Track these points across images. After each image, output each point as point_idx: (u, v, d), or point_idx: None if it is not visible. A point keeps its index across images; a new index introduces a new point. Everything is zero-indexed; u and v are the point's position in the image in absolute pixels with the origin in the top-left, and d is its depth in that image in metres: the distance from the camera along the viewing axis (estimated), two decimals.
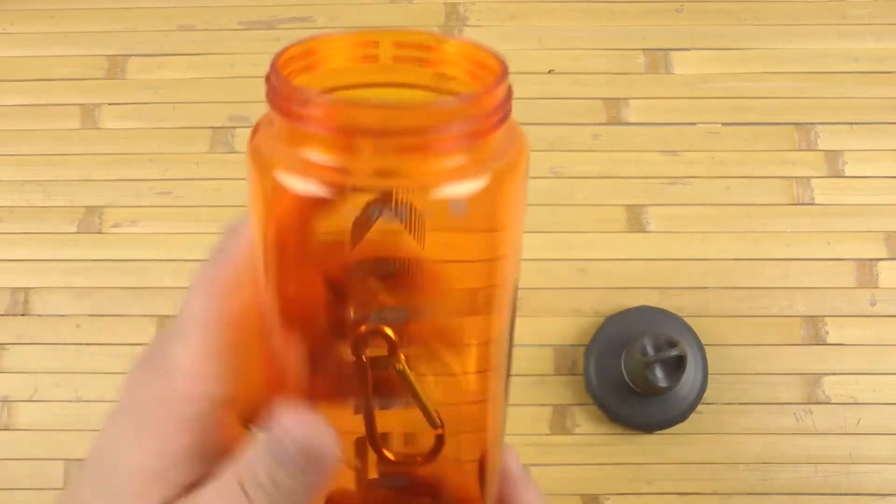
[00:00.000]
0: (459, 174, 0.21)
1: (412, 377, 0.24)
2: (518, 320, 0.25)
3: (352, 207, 0.21)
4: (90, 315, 0.59)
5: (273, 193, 0.21)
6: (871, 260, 0.59)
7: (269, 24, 0.65)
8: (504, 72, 0.22)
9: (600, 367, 0.56)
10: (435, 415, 0.24)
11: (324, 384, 0.25)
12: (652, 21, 0.65)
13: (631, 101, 0.63)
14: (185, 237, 0.60)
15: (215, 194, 0.61)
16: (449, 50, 0.24)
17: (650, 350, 0.53)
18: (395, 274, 0.23)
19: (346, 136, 0.20)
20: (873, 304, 0.58)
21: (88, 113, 0.63)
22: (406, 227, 0.21)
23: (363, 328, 0.24)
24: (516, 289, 0.25)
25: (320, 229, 0.22)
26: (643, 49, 0.64)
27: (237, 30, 0.65)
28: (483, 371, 0.25)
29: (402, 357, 0.24)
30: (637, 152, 0.62)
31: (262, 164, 0.21)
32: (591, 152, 0.62)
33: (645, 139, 0.62)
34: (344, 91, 0.25)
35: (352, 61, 0.24)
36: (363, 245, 0.22)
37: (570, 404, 0.57)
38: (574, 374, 0.57)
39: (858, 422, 0.56)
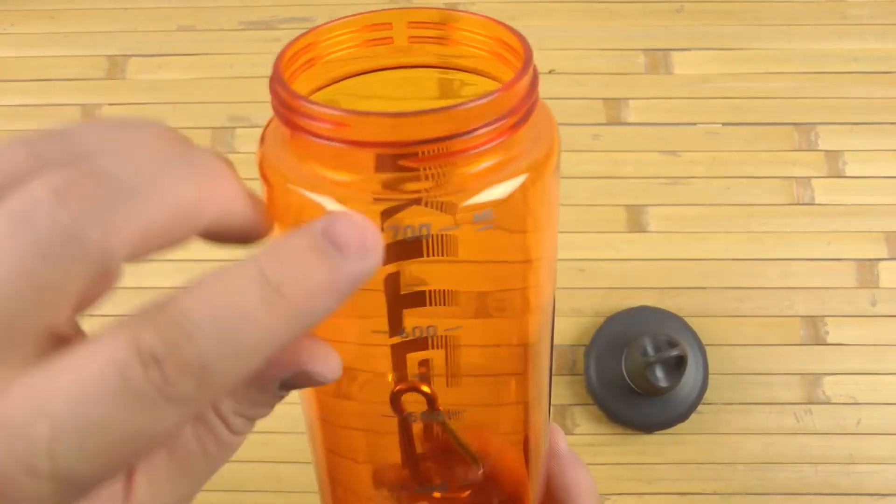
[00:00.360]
0: (487, 178, 0.19)
1: (453, 428, 0.23)
2: None
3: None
4: (88, 315, 0.59)
5: (289, 211, 0.19)
6: (871, 260, 0.59)
7: (268, 24, 0.65)
8: (529, 56, 0.20)
9: (600, 368, 0.56)
10: (477, 458, 0.24)
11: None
12: (652, 21, 0.65)
13: (631, 101, 0.63)
14: None
15: None
16: (466, 27, 0.22)
17: (650, 350, 0.53)
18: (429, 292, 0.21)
19: (359, 150, 0.18)
20: (874, 304, 0.58)
21: (89, 113, 0.63)
22: (431, 240, 0.19)
23: (400, 387, 0.22)
24: (554, 287, 0.24)
25: None
26: (643, 49, 0.64)
27: (237, 30, 0.65)
28: (525, 372, 0.25)
29: (442, 409, 0.23)
30: (637, 152, 0.62)
31: (274, 178, 0.19)
32: (591, 152, 0.62)
33: (645, 139, 0.62)
34: (356, 78, 0.22)
35: (361, 46, 0.22)
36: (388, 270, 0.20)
37: (571, 404, 0.57)
38: (574, 375, 0.57)
39: (858, 422, 0.56)
